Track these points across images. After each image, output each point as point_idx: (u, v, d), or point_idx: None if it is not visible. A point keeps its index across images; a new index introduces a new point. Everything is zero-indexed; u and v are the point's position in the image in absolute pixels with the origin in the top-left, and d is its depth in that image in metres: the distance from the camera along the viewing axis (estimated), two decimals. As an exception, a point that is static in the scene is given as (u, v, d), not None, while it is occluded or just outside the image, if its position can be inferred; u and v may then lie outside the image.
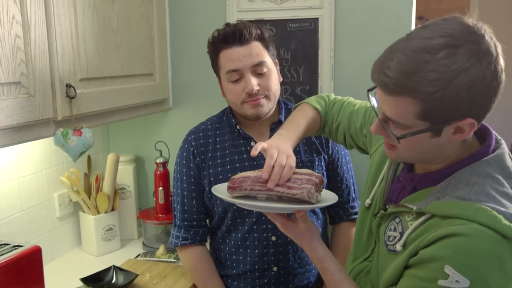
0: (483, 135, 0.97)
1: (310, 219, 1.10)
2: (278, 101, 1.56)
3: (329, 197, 1.14)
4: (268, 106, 1.47)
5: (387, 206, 1.05)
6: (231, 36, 1.43)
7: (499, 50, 0.83)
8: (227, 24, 1.47)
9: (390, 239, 1.00)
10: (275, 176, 1.08)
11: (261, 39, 1.46)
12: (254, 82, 1.42)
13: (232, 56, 1.43)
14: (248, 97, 1.44)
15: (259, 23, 1.58)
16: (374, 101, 0.97)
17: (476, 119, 0.86)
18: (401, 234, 0.97)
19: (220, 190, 1.18)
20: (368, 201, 1.15)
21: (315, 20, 1.87)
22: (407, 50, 0.84)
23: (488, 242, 0.84)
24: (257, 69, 1.43)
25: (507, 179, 0.91)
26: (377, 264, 1.07)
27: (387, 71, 0.85)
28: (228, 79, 1.46)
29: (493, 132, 0.97)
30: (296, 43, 1.90)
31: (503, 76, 0.85)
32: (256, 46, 1.44)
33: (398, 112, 0.87)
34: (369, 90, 0.98)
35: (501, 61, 0.83)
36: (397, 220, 1.00)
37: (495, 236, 0.84)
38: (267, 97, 1.46)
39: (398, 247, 0.96)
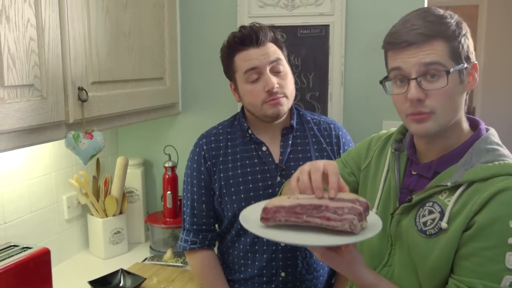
0: (475, 124, 1.09)
1: (356, 248, 1.02)
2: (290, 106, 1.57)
3: (374, 224, 1.01)
4: (288, 106, 1.48)
5: (410, 197, 1.06)
6: (248, 38, 1.43)
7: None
8: (243, 27, 1.47)
9: (428, 223, 1.01)
10: (317, 184, 0.99)
11: (275, 41, 1.47)
12: (274, 79, 1.43)
13: (250, 57, 1.43)
14: (269, 96, 1.43)
15: (270, 29, 1.59)
16: (389, 88, 1.08)
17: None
18: (441, 213, 0.99)
19: (249, 218, 1.06)
20: (374, 210, 1.15)
21: (326, 26, 1.88)
22: (420, 13, 1.02)
23: None
24: (275, 67, 1.44)
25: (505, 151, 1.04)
26: (401, 264, 1.07)
27: (416, 27, 0.99)
28: (247, 79, 1.45)
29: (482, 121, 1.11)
30: (306, 49, 1.91)
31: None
32: (272, 46, 1.45)
33: (438, 54, 0.98)
34: (382, 81, 1.08)
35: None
36: (429, 204, 1.02)
37: None
38: (286, 96, 1.46)
39: (444, 224, 0.98)
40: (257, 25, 1.47)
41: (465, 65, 1.01)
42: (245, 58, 1.44)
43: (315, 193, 0.99)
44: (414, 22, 1.00)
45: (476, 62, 1.04)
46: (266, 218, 1.01)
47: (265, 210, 1.02)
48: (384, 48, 1.06)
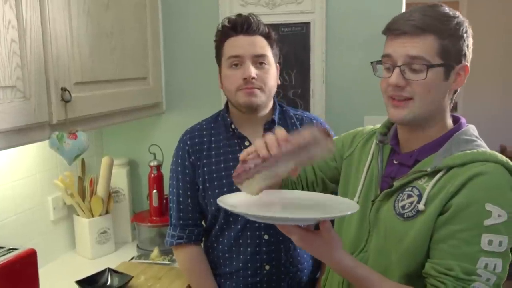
0: (457, 121, 1.14)
1: (333, 230, 1.01)
2: (274, 101, 1.59)
3: (351, 206, 1.02)
4: (261, 99, 1.49)
5: (391, 184, 1.10)
6: (239, 24, 1.47)
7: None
8: (239, 14, 1.51)
9: (406, 206, 1.05)
10: (271, 142, 0.96)
11: (267, 36, 1.50)
12: (252, 69, 1.45)
13: (237, 43, 1.47)
14: (244, 84, 1.46)
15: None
16: (379, 71, 1.12)
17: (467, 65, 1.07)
18: (419, 196, 1.03)
19: (227, 202, 1.05)
20: (355, 199, 1.19)
21: (307, 24, 1.90)
22: (424, 7, 1.05)
23: (508, 176, 0.99)
24: (258, 60, 1.47)
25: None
26: (376, 250, 1.11)
27: (413, 18, 1.03)
28: (229, 65, 1.49)
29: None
30: (288, 47, 1.93)
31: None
32: (261, 40, 1.48)
33: (425, 48, 1.02)
34: (374, 62, 1.13)
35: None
36: (409, 189, 1.07)
37: (508, 172, 0.99)
38: (261, 89, 1.48)
39: (421, 206, 1.02)
40: (252, 16, 1.50)
41: (453, 65, 1.04)
42: (232, 44, 1.48)
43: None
44: (413, 13, 1.04)
45: (467, 64, 1.07)
46: (236, 175, 1.00)
47: (235, 171, 1.01)
48: (383, 32, 1.11)
